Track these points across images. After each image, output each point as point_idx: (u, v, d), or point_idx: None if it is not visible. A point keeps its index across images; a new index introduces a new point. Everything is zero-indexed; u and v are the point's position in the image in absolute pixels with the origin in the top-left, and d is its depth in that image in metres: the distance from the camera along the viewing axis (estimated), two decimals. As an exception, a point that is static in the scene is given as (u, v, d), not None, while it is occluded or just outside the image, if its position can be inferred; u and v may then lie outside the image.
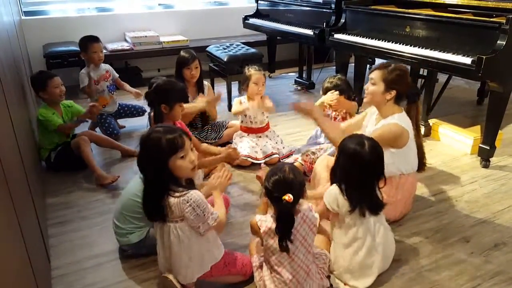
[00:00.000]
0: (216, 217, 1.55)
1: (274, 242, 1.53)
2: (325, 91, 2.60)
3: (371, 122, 2.16)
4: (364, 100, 2.06)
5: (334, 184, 1.69)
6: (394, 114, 1.97)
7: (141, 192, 1.75)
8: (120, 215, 1.84)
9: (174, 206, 1.48)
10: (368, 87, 2.00)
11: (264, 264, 1.63)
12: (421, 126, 2.14)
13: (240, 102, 2.81)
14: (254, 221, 1.58)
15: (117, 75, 3.31)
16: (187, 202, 1.47)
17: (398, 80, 1.94)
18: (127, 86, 3.34)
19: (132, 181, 1.88)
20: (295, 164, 2.49)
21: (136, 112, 3.38)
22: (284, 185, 1.47)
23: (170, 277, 1.56)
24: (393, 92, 1.94)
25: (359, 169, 1.61)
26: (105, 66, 3.21)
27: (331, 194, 1.68)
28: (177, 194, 1.48)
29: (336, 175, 1.69)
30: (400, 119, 1.95)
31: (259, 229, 1.54)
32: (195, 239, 1.54)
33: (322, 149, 2.54)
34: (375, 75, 1.97)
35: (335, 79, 2.61)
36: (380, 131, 1.94)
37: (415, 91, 2.07)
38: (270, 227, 1.53)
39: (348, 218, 1.65)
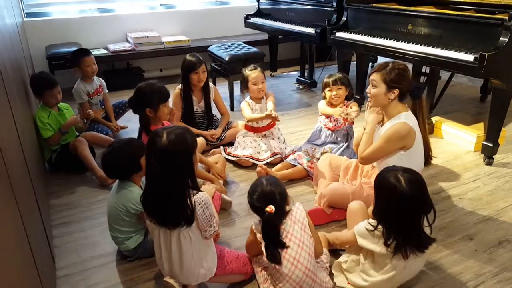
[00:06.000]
0: (217, 222, 1.57)
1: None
2: (325, 86, 2.61)
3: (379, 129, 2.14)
4: (369, 103, 2.03)
5: (367, 223, 1.57)
6: (400, 113, 1.95)
7: (123, 199, 1.77)
8: (110, 225, 1.86)
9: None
10: (370, 90, 1.98)
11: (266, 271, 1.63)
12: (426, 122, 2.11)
13: (249, 105, 2.79)
14: (251, 226, 1.60)
15: (107, 90, 3.26)
16: (199, 204, 1.48)
17: (398, 78, 1.92)
18: (111, 111, 3.24)
19: (112, 191, 1.88)
20: (301, 166, 2.49)
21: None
22: (264, 198, 1.50)
23: (171, 281, 1.57)
24: (396, 91, 1.93)
25: (398, 207, 1.47)
26: (98, 80, 3.19)
27: (363, 232, 1.57)
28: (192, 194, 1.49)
29: (376, 215, 1.56)
30: (406, 118, 1.93)
31: (255, 234, 1.55)
32: (204, 241, 1.56)
33: (326, 152, 2.54)
34: (375, 77, 1.95)
35: (336, 74, 2.61)
36: (387, 133, 1.92)
37: (418, 87, 2.04)
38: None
39: (385, 258, 1.55)
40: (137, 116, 2.24)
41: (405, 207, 1.47)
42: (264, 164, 2.58)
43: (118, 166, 1.83)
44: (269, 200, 1.49)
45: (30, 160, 1.88)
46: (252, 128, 2.83)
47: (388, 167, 1.61)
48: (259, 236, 1.54)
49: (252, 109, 2.79)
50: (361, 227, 1.60)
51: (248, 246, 1.72)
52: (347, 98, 2.65)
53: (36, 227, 1.56)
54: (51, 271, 1.76)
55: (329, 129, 2.65)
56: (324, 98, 2.66)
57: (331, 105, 2.64)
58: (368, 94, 2.01)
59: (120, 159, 1.82)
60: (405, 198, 1.46)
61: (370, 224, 1.56)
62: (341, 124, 2.62)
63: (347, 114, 2.50)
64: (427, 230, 1.54)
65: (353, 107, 2.58)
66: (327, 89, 2.59)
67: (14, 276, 1.02)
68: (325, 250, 1.77)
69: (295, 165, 2.52)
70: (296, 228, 1.53)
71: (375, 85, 1.95)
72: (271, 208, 1.46)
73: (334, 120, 2.62)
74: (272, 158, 2.67)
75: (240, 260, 1.70)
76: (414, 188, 1.46)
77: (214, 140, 2.89)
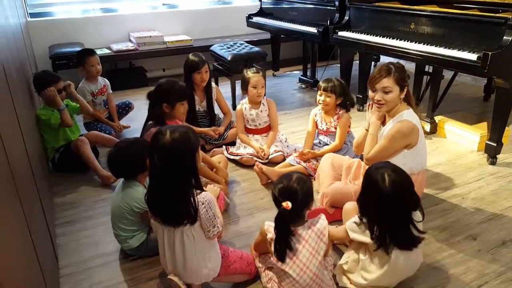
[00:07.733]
0: (221, 222, 1.57)
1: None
2: (318, 88, 2.57)
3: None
4: (383, 109, 1.96)
5: (357, 217, 1.61)
6: (401, 111, 1.95)
7: (127, 197, 1.78)
8: (113, 223, 1.87)
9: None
10: (383, 97, 1.91)
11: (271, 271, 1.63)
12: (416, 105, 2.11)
13: (242, 115, 2.79)
14: (263, 227, 1.58)
15: (111, 91, 3.27)
16: (202, 204, 1.48)
17: (405, 75, 1.93)
18: (114, 111, 3.26)
19: (117, 189, 1.88)
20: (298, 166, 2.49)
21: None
22: (286, 193, 1.48)
23: (175, 279, 1.57)
24: (405, 89, 1.94)
25: (379, 204, 1.51)
26: (103, 80, 3.20)
27: (353, 226, 1.60)
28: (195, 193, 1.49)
29: (359, 205, 1.61)
30: (409, 116, 1.93)
31: (266, 234, 1.54)
32: (207, 241, 1.56)
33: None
34: (388, 83, 1.89)
35: (333, 80, 2.50)
36: (391, 132, 1.91)
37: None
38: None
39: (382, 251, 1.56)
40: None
41: (382, 204, 1.50)
42: (266, 162, 2.59)
43: (124, 165, 1.85)
44: (289, 196, 1.48)
45: (34, 160, 1.89)
46: (251, 130, 2.84)
47: (382, 162, 1.64)
48: (269, 236, 1.53)
49: (246, 115, 2.80)
50: (350, 221, 1.63)
51: (256, 245, 1.72)
52: (342, 106, 2.55)
53: (39, 226, 1.56)
54: (54, 270, 1.77)
55: (322, 133, 2.63)
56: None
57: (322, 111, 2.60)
58: (380, 103, 1.94)
59: (126, 158, 1.83)
60: (383, 196, 1.49)
61: (358, 217, 1.60)
62: (334, 129, 2.58)
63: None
64: (419, 225, 1.56)
65: (341, 127, 2.52)
66: (319, 92, 2.56)
67: (18, 274, 1.03)
68: (329, 252, 1.77)
69: (295, 165, 2.52)
70: (313, 236, 1.53)
71: (390, 90, 1.91)
72: (287, 204, 1.45)
73: (327, 124, 2.59)
74: (275, 155, 2.67)
75: (244, 260, 1.70)
76: (395, 189, 1.48)
77: (217, 137, 2.90)
